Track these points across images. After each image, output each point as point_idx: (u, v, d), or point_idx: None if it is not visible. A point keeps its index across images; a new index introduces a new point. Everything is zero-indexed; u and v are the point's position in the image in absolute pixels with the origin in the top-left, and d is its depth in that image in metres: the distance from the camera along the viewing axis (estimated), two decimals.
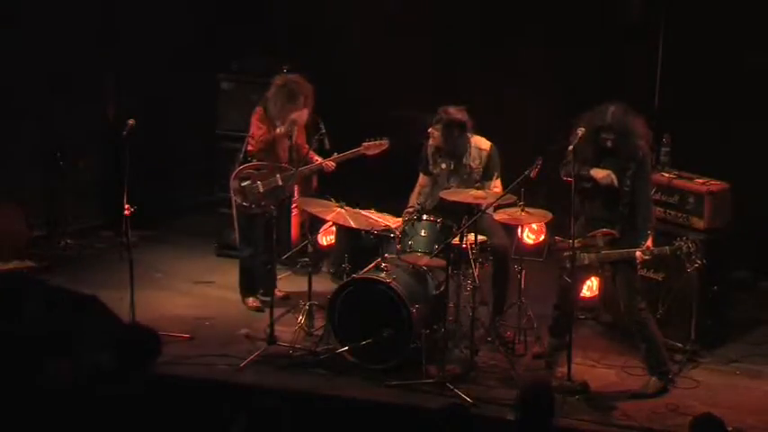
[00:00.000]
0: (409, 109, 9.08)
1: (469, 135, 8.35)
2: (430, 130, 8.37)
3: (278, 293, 8.79)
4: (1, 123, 10.07)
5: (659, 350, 7.73)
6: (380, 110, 9.97)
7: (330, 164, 8.74)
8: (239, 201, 8.70)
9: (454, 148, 8.35)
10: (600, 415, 7.28)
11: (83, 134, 10.62)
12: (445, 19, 10.39)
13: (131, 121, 8.30)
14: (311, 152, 8.86)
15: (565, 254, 7.65)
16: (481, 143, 8.39)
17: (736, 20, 9.45)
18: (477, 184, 8.10)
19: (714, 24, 9.48)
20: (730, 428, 5.96)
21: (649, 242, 7.56)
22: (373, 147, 8.67)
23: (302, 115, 8.64)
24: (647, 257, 7.54)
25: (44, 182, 10.49)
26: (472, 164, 8.37)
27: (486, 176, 8.34)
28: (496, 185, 8.34)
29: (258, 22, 10.66)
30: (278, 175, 8.65)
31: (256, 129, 8.71)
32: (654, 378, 7.72)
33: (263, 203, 8.63)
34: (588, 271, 7.81)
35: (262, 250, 8.79)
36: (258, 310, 8.83)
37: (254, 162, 8.71)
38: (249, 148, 8.77)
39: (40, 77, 10.21)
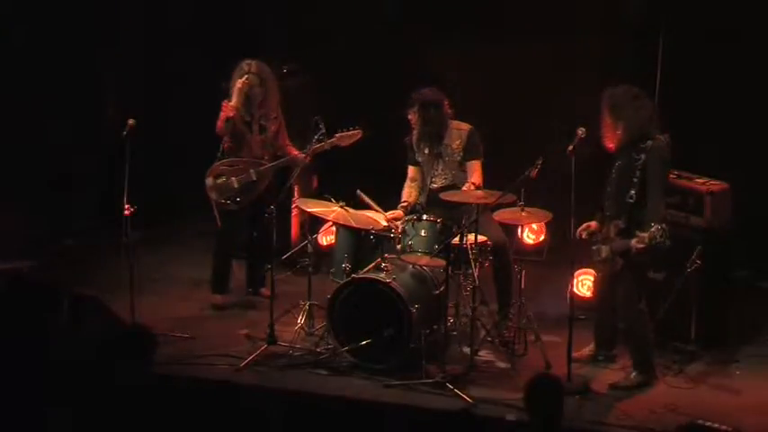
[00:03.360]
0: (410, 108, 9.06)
1: (448, 117, 8.43)
2: (409, 116, 8.44)
3: (264, 292, 8.83)
4: (1, 123, 10.07)
5: (646, 349, 7.76)
6: (381, 109, 9.94)
7: (302, 156, 8.73)
8: (215, 197, 8.78)
9: (432, 128, 8.42)
10: (599, 415, 7.28)
11: (83, 134, 10.62)
12: (445, 17, 10.37)
13: (131, 121, 8.31)
14: (289, 147, 8.89)
15: (593, 247, 7.69)
16: (461, 125, 8.50)
17: (736, 19, 9.44)
18: (470, 185, 8.16)
19: (714, 23, 9.47)
20: (730, 429, 5.95)
21: (649, 235, 7.32)
22: (346, 137, 8.67)
23: (260, 94, 8.74)
24: (639, 246, 7.35)
25: (44, 181, 10.49)
26: (453, 144, 8.45)
27: (466, 157, 8.42)
28: (476, 170, 8.37)
29: (258, 22, 10.66)
30: (251, 171, 8.73)
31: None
32: (635, 372, 7.76)
33: (238, 199, 8.73)
34: (607, 265, 7.77)
35: (237, 249, 8.97)
36: (221, 308, 8.89)
37: (229, 159, 8.77)
38: (224, 146, 8.85)
39: (41, 77, 10.21)
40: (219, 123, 8.78)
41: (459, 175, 8.44)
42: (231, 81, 8.82)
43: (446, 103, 8.43)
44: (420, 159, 8.58)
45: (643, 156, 7.53)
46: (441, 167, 8.49)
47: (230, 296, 9.07)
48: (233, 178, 8.74)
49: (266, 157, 8.81)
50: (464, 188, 8.23)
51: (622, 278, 7.69)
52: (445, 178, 8.47)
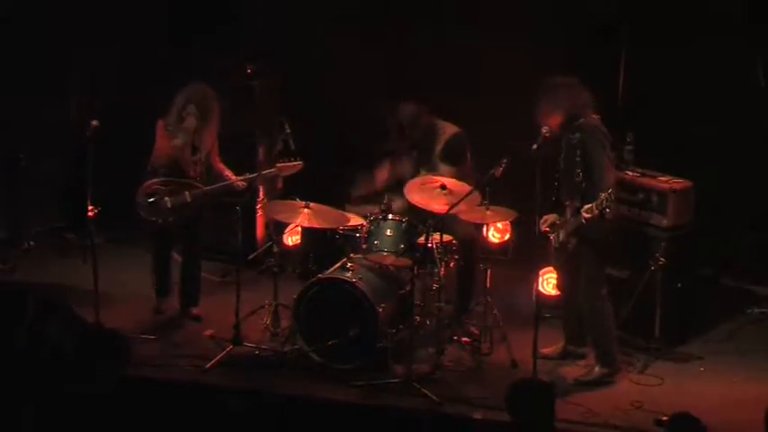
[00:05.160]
0: (381, 109, 9.05)
1: (428, 125, 8.44)
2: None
3: (194, 312, 8.81)
4: None
5: (608, 340, 7.81)
6: (350, 111, 9.94)
7: (241, 183, 8.65)
8: (144, 215, 8.55)
9: (415, 143, 8.45)
10: (565, 413, 7.29)
11: (46, 135, 10.55)
12: (414, 19, 10.36)
13: (95, 122, 8.25)
14: (219, 165, 8.74)
15: (551, 236, 7.77)
16: (446, 128, 8.48)
17: (700, 19, 9.50)
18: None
19: (677, 24, 9.53)
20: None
21: (596, 205, 7.37)
22: (287, 168, 8.62)
23: (199, 125, 8.52)
24: (587, 216, 7.38)
25: (6, 183, 10.42)
26: (435, 148, 8.45)
27: (442, 159, 8.40)
28: (447, 174, 8.34)
29: (223, 23, 10.60)
30: (186, 192, 8.53)
31: (157, 142, 8.62)
32: (598, 366, 7.81)
33: (170, 219, 8.57)
34: (565, 250, 7.83)
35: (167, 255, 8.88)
36: (161, 312, 8.85)
37: (162, 178, 8.55)
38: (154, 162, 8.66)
39: (3, 77, 10.14)
40: (159, 158, 8.58)
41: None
42: (178, 107, 8.53)
43: (422, 114, 8.41)
44: (405, 159, 8.56)
45: (578, 134, 7.65)
46: (424, 170, 8.46)
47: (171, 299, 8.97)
48: (166, 198, 8.51)
49: (198, 177, 8.62)
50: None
51: (582, 263, 7.73)
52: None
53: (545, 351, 7.98)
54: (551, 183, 7.85)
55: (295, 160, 8.61)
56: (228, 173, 8.70)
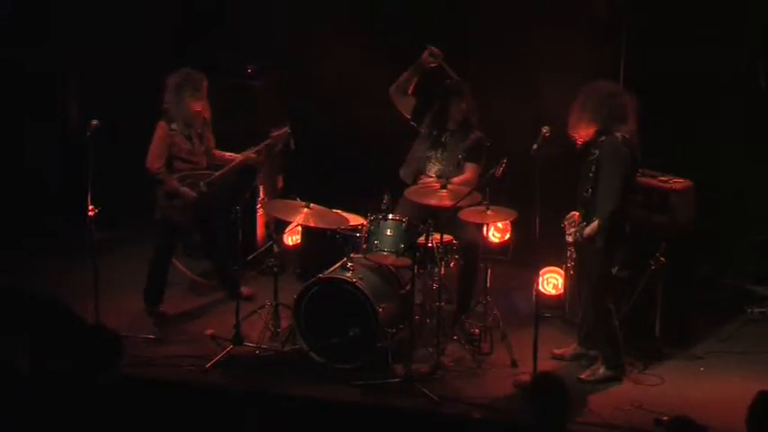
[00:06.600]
0: (378, 108, 9.05)
1: (467, 112, 8.47)
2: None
3: (246, 292, 8.78)
4: None
5: (615, 347, 7.80)
6: (350, 109, 9.94)
7: (251, 155, 8.67)
8: (174, 215, 8.59)
9: (456, 126, 8.46)
10: None
11: (44, 135, 10.55)
12: (413, 19, 10.36)
13: (95, 122, 8.24)
14: (214, 149, 8.75)
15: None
16: (476, 130, 8.48)
17: (697, 18, 9.50)
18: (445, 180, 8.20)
19: (677, 24, 9.53)
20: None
21: (588, 229, 7.48)
22: (280, 134, 8.59)
23: (206, 106, 8.58)
24: (570, 240, 7.49)
25: (4, 184, 10.41)
26: (464, 145, 8.43)
27: (466, 158, 8.40)
28: (467, 172, 8.36)
29: (222, 21, 10.61)
30: (201, 183, 8.57)
31: (156, 141, 8.55)
32: (603, 368, 7.81)
33: (192, 212, 8.60)
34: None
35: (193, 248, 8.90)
36: (163, 316, 8.79)
37: (177, 174, 8.56)
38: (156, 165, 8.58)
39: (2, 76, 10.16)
40: (159, 162, 8.52)
41: (455, 171, 8.42)
42: (180, 93, 8.48)
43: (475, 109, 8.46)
44: (428, 143, 8.53)
45: (597, 152, 7.59)
46: (443, 166, 8.45)
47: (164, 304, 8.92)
48: (185, 189, 8.54)
49: (207, 166, 8.65)
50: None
51: (586, 275, 7.74)
52: (440, 169, 8.46)
53: (557, 351, 8.02)
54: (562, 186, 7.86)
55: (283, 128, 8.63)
56: (230, 154, 8.70)
